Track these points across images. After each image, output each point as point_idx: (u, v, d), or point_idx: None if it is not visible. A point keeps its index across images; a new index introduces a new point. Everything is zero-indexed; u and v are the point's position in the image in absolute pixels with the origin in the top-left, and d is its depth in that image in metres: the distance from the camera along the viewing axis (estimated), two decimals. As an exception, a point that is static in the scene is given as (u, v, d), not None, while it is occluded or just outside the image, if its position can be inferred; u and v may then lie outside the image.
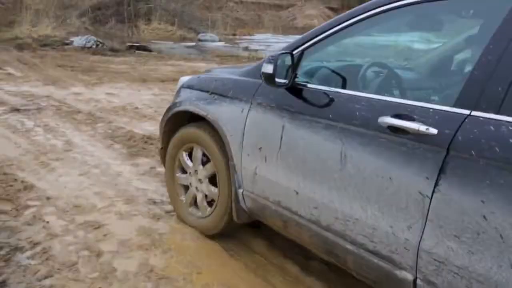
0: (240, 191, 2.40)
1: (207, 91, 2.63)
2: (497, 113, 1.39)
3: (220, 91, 2.55)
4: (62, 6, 17.54)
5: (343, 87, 2.12)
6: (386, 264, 1.71)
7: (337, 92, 1.97)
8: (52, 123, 5.15)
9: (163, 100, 6.58)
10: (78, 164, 3.90)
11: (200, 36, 16.75)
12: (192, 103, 2.70)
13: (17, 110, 5.63)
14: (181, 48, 14.29)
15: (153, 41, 15.20)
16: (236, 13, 24.84)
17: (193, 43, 15.59)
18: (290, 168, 2.09)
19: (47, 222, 2.83)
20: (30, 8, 16.25)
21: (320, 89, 2.04)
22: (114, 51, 11.67)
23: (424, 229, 1.55)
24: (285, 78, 2.05)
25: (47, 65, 9.22)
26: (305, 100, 2.06)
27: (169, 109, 2.91)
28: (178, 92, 2.98)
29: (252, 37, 19.95)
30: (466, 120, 1.46)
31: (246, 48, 15.07)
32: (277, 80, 2.01)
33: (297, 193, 2.06)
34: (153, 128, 5.06)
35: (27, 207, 3.02)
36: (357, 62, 2.56)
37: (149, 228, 2.84)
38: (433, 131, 1.51)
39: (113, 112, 5.80)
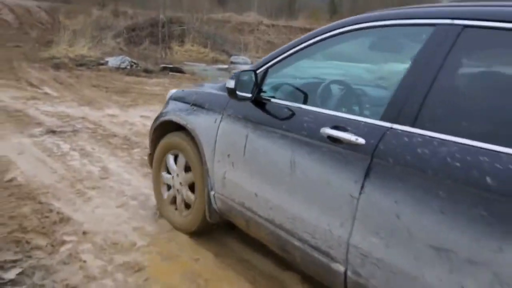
0: (212, 193, 2.71)
1: (189, 103, 2.95)
2: (412, 126, 1.68)
3: (199, 103, 2.86)
4: (98, 27, 17.92)
5: (298, 101, 2.29)
6: (324, 258, 1.96)
7: (291, 106, 2.24)
8: (88, 147, 5.02)
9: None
10: (115, 195, 3.70)
11: (233, 58, 16.73)
12: (175, 113, 3.02)
13: (53, 132, 5.53)
14: (213, 70, 14.27)
15: (186, 62, 15.23)
16: (268, 36, 24.87)
17: (225, 66, 15.55)
18: (251, 173, 2.37)
19: (84, 261, 2.62)
20: (68, 29, 16.65)
21: (278, 103, 2.32)
22: (148, 72, 11.68)
23: (353, 226, 1.81)
24: (250, 93, 2.35)
25: (83, 85, 9.22)
26: (265, 112, 2.35)
27: (156, 118, 3.27)
28: (166, 103, 3.30)
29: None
30: (388, 132, 1.74)
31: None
32: (238, 94, 2.33)
33: (256, 195, 2.34)
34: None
35: (63, 242, 2.82)
36: (311, 80, 2.82)
37: (193, 272, 2.58)
38: (362, 141, 1.79)
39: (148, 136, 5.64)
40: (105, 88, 9.05)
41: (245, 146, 2.40)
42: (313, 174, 2.00)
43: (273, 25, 28.28)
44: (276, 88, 2.52)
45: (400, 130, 1.72)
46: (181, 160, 3.01)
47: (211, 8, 28.48)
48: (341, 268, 1.89)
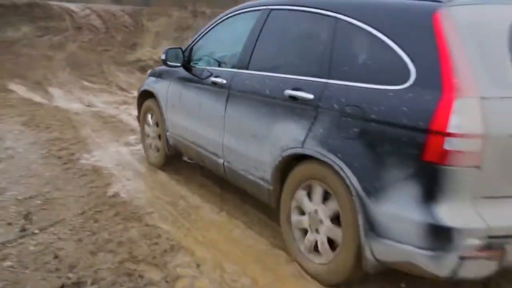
0: (168, 133, 4.06)
1: (154, 76, 4.45)
2: (246, 69, 3.11)
3: (159, 75, 4.34)
4: (179, 28, 18.09)
5: (205, 64, 3.66)
6: (215, 157, 3.34)
7: (201, 67, 3.65)
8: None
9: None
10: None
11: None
12: (148, 85, 4.54)
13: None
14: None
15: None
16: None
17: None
18: (184, 115, 3.79)
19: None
20: (150, 31, 16.98)
21: (196, 67, 3.71)
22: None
23: (224, 133, 3.19)
24: (179, 62, 3.76)
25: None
26: (190, 73, 3.74)
27: (139, 89, 4.82)
28: (145, 79, 4.86)
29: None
30: (235, 75, 3.18)
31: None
32: (168, 63, 3.87)
33: (187, 128, 3.76)
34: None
35: (178, 277, 2.49)
36: (212, 52, 3.75)
37: None
38: (223, 81, 3.22)
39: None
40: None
41: (179, 97, 3.86)
42: (207, 107, 3.44)
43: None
44: (197, 59, 3.79)
45: (240, 72, 3.10)
46: (153, 117, 4.39)
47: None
48: (221, 161, 3.27)
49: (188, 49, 3.80)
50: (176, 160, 4.39)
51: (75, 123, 6.09)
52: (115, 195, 3.66)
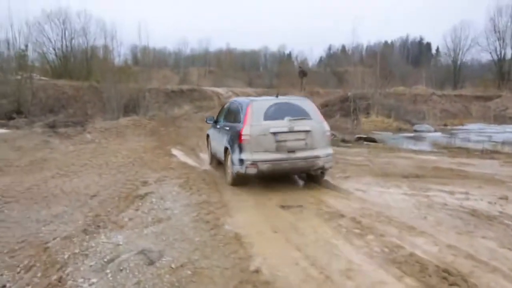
0: (211, 150, 7.73)
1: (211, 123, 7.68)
2: None
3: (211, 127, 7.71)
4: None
5: (220, 124, 7.00)
6: (220, 154, 6.90)
7: (220, 125, 6.89)
8: (320, 228, 3.93)
9: (420, 202, 4.79)
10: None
11: (416, 127, 14.50)
12: (209, 131, 7.92)
13: (282, 207, 4.68)
14: (401, 139, 12.35)
15: (373, 131, 13.73)
16: (441, 105, 21.56)
17: (411, 134, 13.46)
18: (214, 140, 7.15)
19: None
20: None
21: (218, 125, 6.98)
22: (345, 142, 10.58)
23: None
24: (213, 122, 7.43)
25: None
26: (215, 126, 7.19)
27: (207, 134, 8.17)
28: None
29: (464, 127, 16.52)
30: None
31: (466, 139, 12.11)
32: (208, 122, 7.70)
33: (214, 147, 7.25)
34: (436, 250, 3.31)
35: None
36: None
37: None
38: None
39: (376, 218, 4.27)
40: (314, 158, 8.21)
41: (213, 134, 7.30)
42: (219, 136, 6.66)
43: (444, 95, 24.68)
44: (217, 122, 7.15)
45: (224, 123, 6.96)
46: (209, 143, 7.80)
47: (383, 84, 26.66)
48: (221, 156, 6.63)
49: (216, 116, 7.41)
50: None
51: (220, 188, 5.72)
52: (257, 270, 2.96)
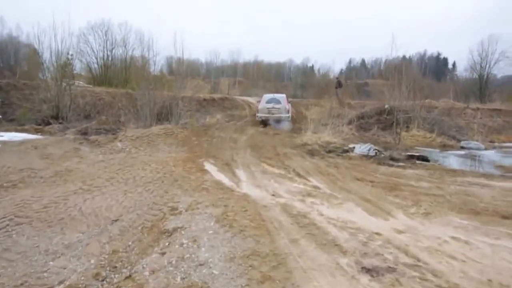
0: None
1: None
2: None
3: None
4: (331, 115, 16.18)
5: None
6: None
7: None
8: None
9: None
10: None
11: (463, 143, 12.38)
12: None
13: (366, 269, 2.99)
14: (453, 157, 10.33)
15: (416, 147, 11.75)
16: (480, 120, 19.13)
17: (460, 151, 11.40)
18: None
19: None
20: (309, 118, 15.31)
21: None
22: (394, 160, 8.74)
23: None
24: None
25: (345, 176, 6.85)
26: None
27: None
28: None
29: (515, 144, 14.15)
30: None
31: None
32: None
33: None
34: None
35: None
36: None
37: None
38: None
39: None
40: (369, 182, 6.43)
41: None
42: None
43: (477, 108, 22.13)
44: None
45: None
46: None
47: (414, 97, 24.30)
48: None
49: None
50: None
51: (267, 224, 4.09)
52: None
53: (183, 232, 3.96)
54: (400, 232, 3.92)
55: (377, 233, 3.86)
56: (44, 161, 8.55)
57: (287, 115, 14.01)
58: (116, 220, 5.01)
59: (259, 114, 14.17)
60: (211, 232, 3.86)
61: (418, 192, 5.73)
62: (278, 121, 13.99)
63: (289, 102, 15.42)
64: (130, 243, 4.27)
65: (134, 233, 4.48)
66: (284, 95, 15.47)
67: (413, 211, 4.71)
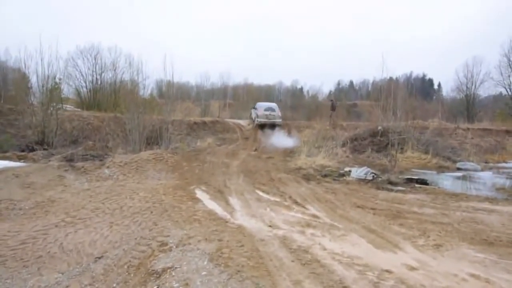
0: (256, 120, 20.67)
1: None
2: None
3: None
4: (322, 138, 16.02)
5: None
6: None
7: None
8: None
9: None
10: None
11: (459, 164, 12.27)
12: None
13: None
14: (451, 179, 10.15)
15: (412, 169, 11.57)
16: (471, 140, 19.22)
17: (457, 173, 11.24)
18: (252, 116, 21.34)
19: None
20: (300, 140, 15.09)
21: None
22: (392, 184, 8.49)
23: None
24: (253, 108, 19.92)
25: (345, 203, 6.54)
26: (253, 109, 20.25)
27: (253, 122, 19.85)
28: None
29: (509, 164, 14.09)
30: None
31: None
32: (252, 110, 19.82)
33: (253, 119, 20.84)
34: None
35: None
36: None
37: None
38: None
39: None
40: (371, 209, 6.13)
41: (252, 113, 20.45)
42: (253, 114, 20.37)
43: (468, 129, 22.33)
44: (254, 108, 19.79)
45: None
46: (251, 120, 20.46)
47: (404, 117, 24.48)
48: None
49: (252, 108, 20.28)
50: None
51: (267, 262, 3.72)
52: None
53: (173, 273, 3.56)
54: (412, 268, 3.60)
55: (387, 271, 3.53)
56: (25, 191, 8.05)
57: (280, 120, 18.71)
58: (100, 257, 4.58)
59: (259, 119, 17.98)
60: (204, 273, 3.47)
61: (424, 220, 5.43)
62: (273, 125, 18.38)
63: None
64: (114, 285, 3.85)
65: (119, 273, 4.06)
66: (276, 104, 20.61)
67: (422, 243, 4.39)
